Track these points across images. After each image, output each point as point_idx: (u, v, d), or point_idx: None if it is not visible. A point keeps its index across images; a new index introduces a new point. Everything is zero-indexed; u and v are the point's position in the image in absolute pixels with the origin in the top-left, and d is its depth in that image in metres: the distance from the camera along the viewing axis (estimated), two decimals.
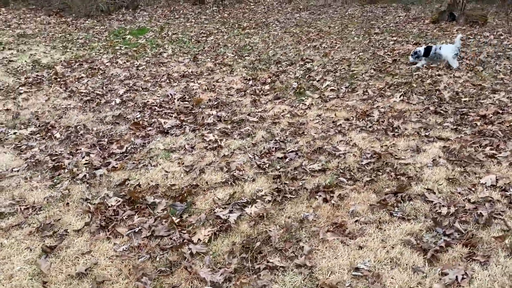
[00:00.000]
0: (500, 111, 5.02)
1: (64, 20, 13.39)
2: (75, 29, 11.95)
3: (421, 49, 7.05)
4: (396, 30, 11.29)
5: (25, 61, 8.33)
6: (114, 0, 15.46)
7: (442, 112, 5.04)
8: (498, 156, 3.88)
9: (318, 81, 6.57)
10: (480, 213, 3.04)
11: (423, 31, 11.05)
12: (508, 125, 4.61)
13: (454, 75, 6.65)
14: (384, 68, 7.13)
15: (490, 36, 9.80)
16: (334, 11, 15.77)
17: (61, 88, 6.43)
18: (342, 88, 6.14)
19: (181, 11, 15.53)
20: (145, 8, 15.89)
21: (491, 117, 4.87)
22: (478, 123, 4.68)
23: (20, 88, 6.42)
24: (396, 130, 4.59)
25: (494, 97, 5.59)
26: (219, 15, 14.99)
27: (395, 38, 9.76)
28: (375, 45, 9.11)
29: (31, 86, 6.53)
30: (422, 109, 5.19)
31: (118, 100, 5.76)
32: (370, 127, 4.68)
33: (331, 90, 6.14)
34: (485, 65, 7.18)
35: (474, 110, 5.10)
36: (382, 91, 5.95)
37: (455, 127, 4.61)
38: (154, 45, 9.85)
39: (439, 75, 6.70)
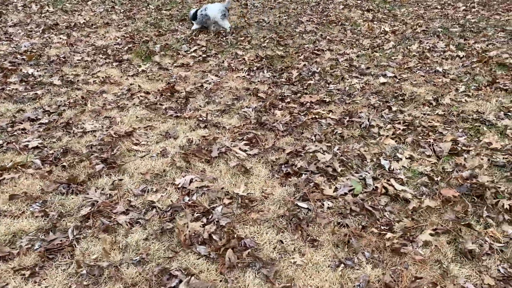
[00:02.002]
0: (329, 101, 4.45)
1: None
2: None
3: (191, 12, 6.66)
4: None
5: None
6: None
7: (260, 95, 4.54)
8: (237, 155, 3.44)
9: (190, 44, 6.13)
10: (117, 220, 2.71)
11: None
12: (310, 118, 4.07)
13: (345, 52, 5.96)
14: (284, 37, 6.54)
15: (462, 7, 8.72)
16: None
17: None
18: (204, 56, 5.68)
19: None
20: None
21: (308, 105, 4.32)
22: (279, 112, 4.16)
23: None
24: (182, 110, 4.19)
25: (351, 82, 4.96)
26: None
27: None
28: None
29: None
30: (245, 89, 4.71)
31: None
32: (160, 104, 4.31)
33: (192, 57, 5.70)
34: (403, 43, 6.38)
35: (303, 95, 4.55)
36: (241, 64, 5.45)
37: (248, 113, 4.13)
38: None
39: (330, 50, 6.03)
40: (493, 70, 5.15)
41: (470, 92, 4.59)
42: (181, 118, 4.07)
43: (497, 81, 4.75)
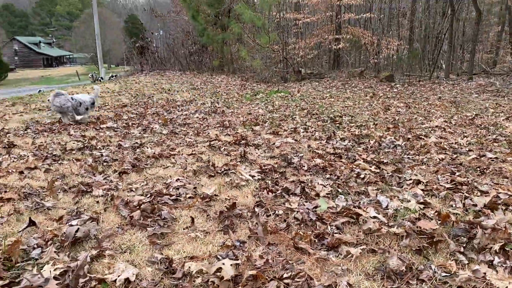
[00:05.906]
0: (387, 161, 4.23)
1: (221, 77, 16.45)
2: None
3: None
4: None
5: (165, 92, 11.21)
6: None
7: (317, 151, 4.62)
8: (241, 176, 3.61)
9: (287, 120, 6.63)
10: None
11: None
12: (349, 167, 3.95)
13: (455, 139, 5.51)
14: (398, 125, 6.45)
15: None
16: None
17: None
18: (306, 133, 6.09)
19: (355, 83, 16.29)
20: (329, 77, 17.50)
21: (357, 160, 4.20)
22: (319, 161, 4.17)
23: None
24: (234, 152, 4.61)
25: (434, 156, 4.59)
26: (401, 89, 14.86)
27: None
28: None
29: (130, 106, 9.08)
30: (308, 147, 4.84)
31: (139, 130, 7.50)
32: (222, 147, 4.83)
33: (292, 130, 6.18)
34: None
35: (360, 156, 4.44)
36: (333, 136, 5.65)
37: (291, 159, 4.27)
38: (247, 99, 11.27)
39: (441, 137, 5.67)
40: None
41: None
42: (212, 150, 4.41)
43: None
